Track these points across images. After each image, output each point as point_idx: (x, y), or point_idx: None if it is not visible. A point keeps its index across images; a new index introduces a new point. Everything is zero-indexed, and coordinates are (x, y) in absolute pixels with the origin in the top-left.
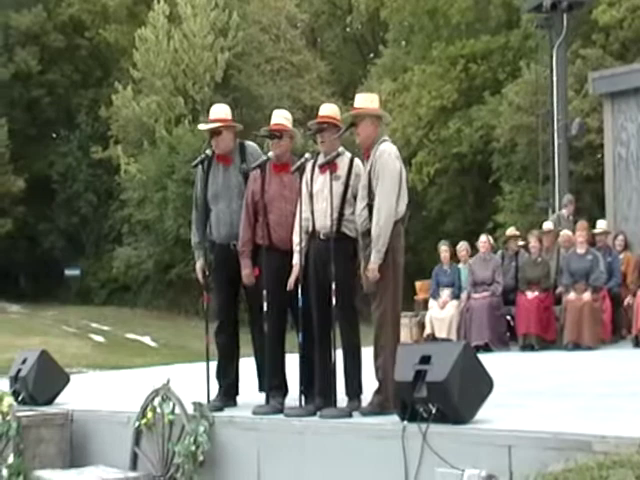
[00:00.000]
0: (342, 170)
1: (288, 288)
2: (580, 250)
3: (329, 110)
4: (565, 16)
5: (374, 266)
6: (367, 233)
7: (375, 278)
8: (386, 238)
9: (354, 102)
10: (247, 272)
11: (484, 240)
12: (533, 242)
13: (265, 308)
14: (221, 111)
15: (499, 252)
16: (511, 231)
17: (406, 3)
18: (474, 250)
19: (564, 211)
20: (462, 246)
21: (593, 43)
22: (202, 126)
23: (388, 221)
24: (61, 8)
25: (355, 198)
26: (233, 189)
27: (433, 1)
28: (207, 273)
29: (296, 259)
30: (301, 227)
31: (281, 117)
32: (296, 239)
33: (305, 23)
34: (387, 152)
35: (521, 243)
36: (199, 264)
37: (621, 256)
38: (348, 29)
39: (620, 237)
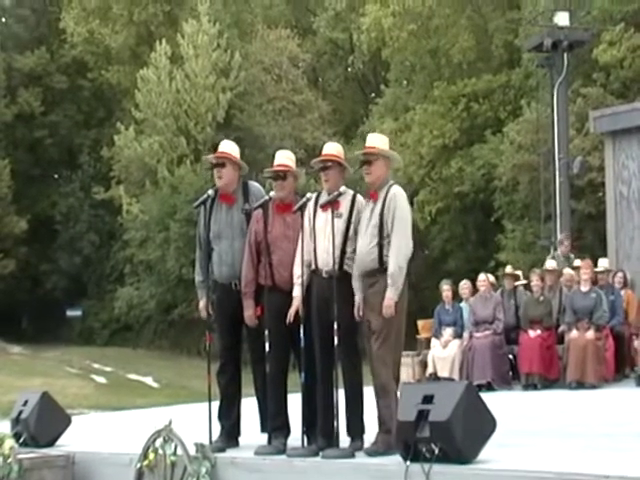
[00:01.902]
0: (344, 208)
1: (288, 320)
2: (584, 288)
3: (333, 149)
4: (566, 55)
5: (391, 302)
6: (372, 272)
7: (392, 315)
8: (403, 277)
9: (367, 141)
10: (249, 313)
11: (483, 279)
12: (535, 280)
13: (267, 348)
14: (228, 146)
15: (500, 290)
16: (508, 270)
17: (408, 43)
18: (476, 289)
19: (559, 250)
20: (465, 284)
21: (594, 82)
22: (207, 156)
23: (405, 262)
24: (64, 50)
25: (356, 235)
26: (235, 228)
27: (435, 41)
28: (210, 312)
29: (296, 292)
30: (303, 260)
31: (285, 158)
32: (297, 272)
33: (307, 63)
34: (401, 194)
35: (523, 282)
36: (202, 303)
37: (622, 292)
38: (350, 69)
39: (619, 274)
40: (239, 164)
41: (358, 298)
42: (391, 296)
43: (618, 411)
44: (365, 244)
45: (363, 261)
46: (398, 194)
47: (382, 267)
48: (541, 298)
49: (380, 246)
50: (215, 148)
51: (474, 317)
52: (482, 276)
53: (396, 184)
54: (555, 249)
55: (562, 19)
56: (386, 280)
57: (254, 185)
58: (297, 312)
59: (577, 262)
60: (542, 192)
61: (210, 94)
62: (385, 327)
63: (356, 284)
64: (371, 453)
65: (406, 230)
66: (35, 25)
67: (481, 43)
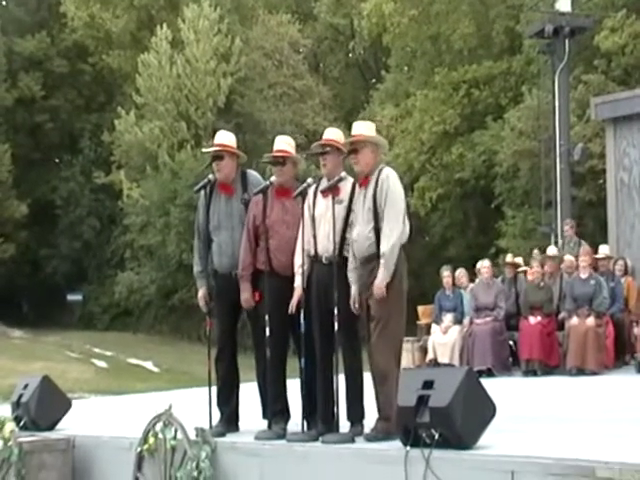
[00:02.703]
0: (345, 194)
1: (290, 311)
2: (583, 275)
3: (333, 134)
4: (567, 42)
5: (382, 284)
6: (371, 258)
7: (382, 296)
8: (395, 258)
9: (352, 129)
10: (246, 296)
11: (486, 265)
12: (535, 266)
13: (267, 333)
14: (225, 137)
15: (500, 277)
16: (509, 258)
17: (409, 29)
18: (474, 275)
19: (566, 233)
20: (460, 272)
21: (595, 69)
22: (205, 149)
23: (398, 242)
24: (65, 34)
25: None
26: (235, 219)
27: (435, 27)
28: (209, 300)
29: (297, 282)
30: (303, 250)
31: (284, 143)
32: (298, 261)
33: (308, 48)
34: (393, 176)
35: (524, 269)
36: (201, 292)
37: (622, 280)
38: (351, 54)
39: (620, 262)
40: (237, 154)
41: (354, 290)
42: (383, 277)
43: (618, 397)
44: (362, 231)
45: (362, 247)
46: (390, 175)
47: (380, 252)
48: (541, 284)
49: (377, 230)
50: (215, 134)
51: (475, 303)
52: (485, 262)
53: (387, 166)
54: (556, 236)
55: (564, 5)
56: None
57: (252, 174)
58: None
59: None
60: (543, 179)
61: (211, 79)
62: (385, 313)
63: (352, 275)
64: (371, 438)
65: (399, 210)
66: (36, 9)
67: (482, 29)
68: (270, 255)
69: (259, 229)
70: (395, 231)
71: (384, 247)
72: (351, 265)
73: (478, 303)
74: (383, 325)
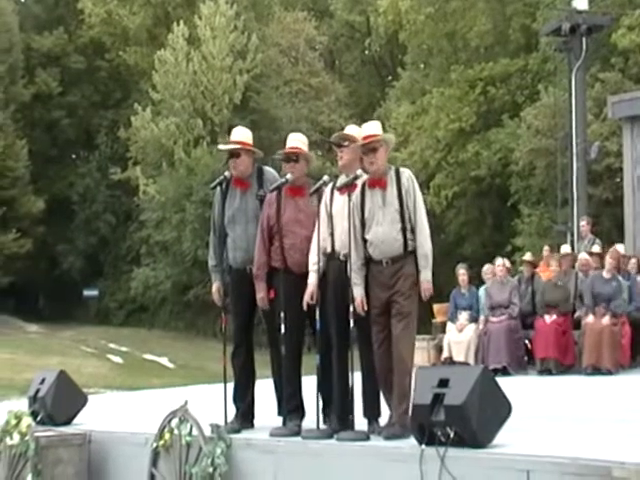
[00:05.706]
0: (358, 191)
1: (304, 307)
2: (607, 275)
3: (355, 131)
4: (584, 40)
5: (430, 285)
6: (398, 258)
7: (431, 295)
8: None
9: (366, 129)
10: (261, 296)
11: (500, 263)
12: (554, 265)
13: (282, 330)
14: (242, 134)
15: (516, 277)
16: (527, 257)
17: (425, 26)
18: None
19: (582, 231)
20: (488, 268)
21: (612, 67)
22: (222, 146)
23: (430, 242)
24: (82, 30)
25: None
26: (250, 214)
27: (452, 24)
28: (224, 295)
29: (312, 279)
30: (319, 247)
31: (297, 140)
32: (313, 259)
33: (324, 45)
34: (414, 177)
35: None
36: (215, 286)
37: (638, 278)
38: (367, 52)
39: (633, 260)
40: (253, 151)
41: (358, 292)
42: (429, 278)
43: (634, 397)
44: (388, 231)
45: (389, 249)
46: (413, 177)
47: (407, 251)
48: (559, 283)
49: (404, 230)
50: (231, 131)
51: (490, 302)
52: (499, 260)
53: (401, 167)
54: (572, 234)
55: (581, 3)
56: (411, 263)
57: (269, 171)
58: (313, 296)
59: (595, 248)
60: (559, 177)
61: (227, 76)
62: (410, 309)
63: (357, 276)
64: (390, 437)
65: (424, 212)
66: (53, 5)
67: (498, 27)
68: (285, 254)
69: (273, 228)
70: (428, 232)
71: (425, 249)
72: (355, 265)
73: (493, 301)
74: (409, 320)
